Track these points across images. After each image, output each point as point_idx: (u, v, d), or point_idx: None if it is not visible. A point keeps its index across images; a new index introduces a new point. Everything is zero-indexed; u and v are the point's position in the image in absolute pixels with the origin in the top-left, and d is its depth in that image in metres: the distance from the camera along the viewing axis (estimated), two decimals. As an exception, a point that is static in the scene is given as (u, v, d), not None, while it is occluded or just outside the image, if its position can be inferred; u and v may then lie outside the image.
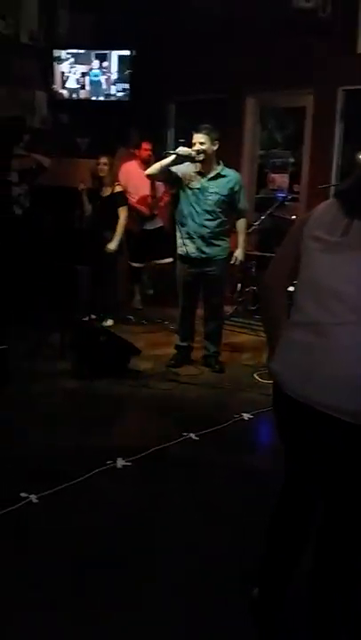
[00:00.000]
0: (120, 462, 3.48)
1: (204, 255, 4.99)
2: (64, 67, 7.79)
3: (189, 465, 3.57)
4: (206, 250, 4.98)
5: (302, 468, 2.09)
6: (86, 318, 6.16)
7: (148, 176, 5.21)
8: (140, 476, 3.41)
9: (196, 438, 3.86)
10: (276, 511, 2.21)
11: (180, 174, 4.96)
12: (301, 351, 1.92)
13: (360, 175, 1.96)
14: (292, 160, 8.15)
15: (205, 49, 7.40)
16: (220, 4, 7.21)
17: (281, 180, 7.81)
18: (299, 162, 7.66)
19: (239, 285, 6.98)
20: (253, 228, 6.90)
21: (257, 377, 4.99)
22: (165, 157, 4.95)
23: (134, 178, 6.24)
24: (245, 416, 4.24)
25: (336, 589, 1.99)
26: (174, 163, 4.93)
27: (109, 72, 7.71)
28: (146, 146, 6.63)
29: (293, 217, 6.99)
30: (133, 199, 6.58)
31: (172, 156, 4.89)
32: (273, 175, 7.91)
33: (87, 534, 2.85)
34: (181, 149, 4.93)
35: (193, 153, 4.86)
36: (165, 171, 4.94)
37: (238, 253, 5.16)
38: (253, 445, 4.01)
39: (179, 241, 5.08)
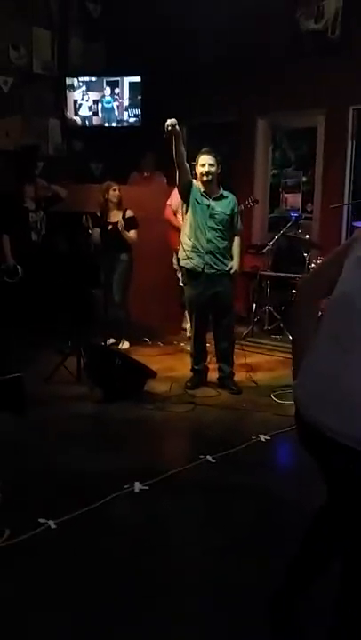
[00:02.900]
0: (137, 486, 3.47)
1: (213, 271, 5.05)
2: (77, 94, 7.93)
3: (206, 488, 3.55)
4: (215, 266, 5.05)
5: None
6: (104, 342, 6.22)
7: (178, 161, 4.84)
8: (158, 500, 3.39)
9: (213, 461, 3.85)
10: (317, 518, 2.21)
11: (193, 183, 5.01)
12: (320, 372, 1.89)
13: None
14: (304, 179, 8.19)
15: (216, 72, 7.49)
16: (230, 27, 7.30)
17: (294, 199, 7.85)
18: (312, 181, 7.69)
19: (254, 305, 6.99)
20: (267, 248, 6.93)
21: (274, 397, 4.98)
22: (170, 134, 4.65)
23: None
24: (262, 437, 4.22)
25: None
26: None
27: (121, 98, 7.83)
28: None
29: (307, 236, 7.01)
30: None
31: (172, 126, 4.58)
32: (286, 195, 7.95)
33: (105, 561, 2.84)
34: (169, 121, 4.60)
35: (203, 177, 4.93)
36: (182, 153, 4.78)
37: (234, 263, 5.18)
38: (270, 467, 3.98)
39: (183, 254, 5.14)
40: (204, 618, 2.49)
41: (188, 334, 6.16)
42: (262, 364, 5.97)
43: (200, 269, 5.06)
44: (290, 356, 6.57)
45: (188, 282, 5.25)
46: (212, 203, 5.03)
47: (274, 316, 6.88)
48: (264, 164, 7.91)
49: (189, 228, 5.09)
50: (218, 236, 5.04)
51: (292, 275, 6.78)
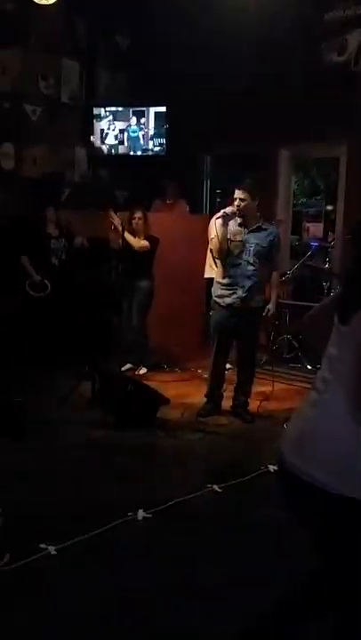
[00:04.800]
0: (140, 514, 3.47)
1: (243, 304, 5.06)
2: (103, 124, 8.07)
3: (210, 518, 3.54)
4: (246, 299, 5.07)
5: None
6: (120, 367, 6.25)
7: (219, 257, 5.08)
8: (160, 529, 3.38)
9: (220, 490, 3.84)
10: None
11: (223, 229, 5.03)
12: (299, 416, 2.05)
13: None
14: (330, 208, 8.20)
15: (239, 103, 7.57)
16: (253, 58, 7.39)
17: (315, 229, 7.85)
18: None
19: (272, 334, 6.97)
20: (287, 276, 6.93)
21: (286, 427, 4.93)
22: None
23: None
24: (271, 468, 4.16)
25: None
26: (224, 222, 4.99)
27: (147, 128, 7.94)
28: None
29: (327, 266, 7.00)
30: None
31: (221, 218, 4.96)
32: (307, 224, 7.97)
33: (104, 589, 2.84)
34: (229, 209, 4.99)
35: (235, 210, 4.98)
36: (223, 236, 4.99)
37: (271, 305, 5.27)
38: (277, 498, 3.92)
39: (219, 292, 5.16)
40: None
41: None
42: (278, 392, 5.92)
43: (233, 305, 5.08)
44: (307, 385, 6.50)
45: (215, 307, 5.25)
46: (247, 235, 5.04)
47: (293, 345, 6.85)
48: (286, 193, 7.93)
49: (222, 266, 5.09)
50: (251, 270, 5.03)
51: (312, 304, 6.74)
